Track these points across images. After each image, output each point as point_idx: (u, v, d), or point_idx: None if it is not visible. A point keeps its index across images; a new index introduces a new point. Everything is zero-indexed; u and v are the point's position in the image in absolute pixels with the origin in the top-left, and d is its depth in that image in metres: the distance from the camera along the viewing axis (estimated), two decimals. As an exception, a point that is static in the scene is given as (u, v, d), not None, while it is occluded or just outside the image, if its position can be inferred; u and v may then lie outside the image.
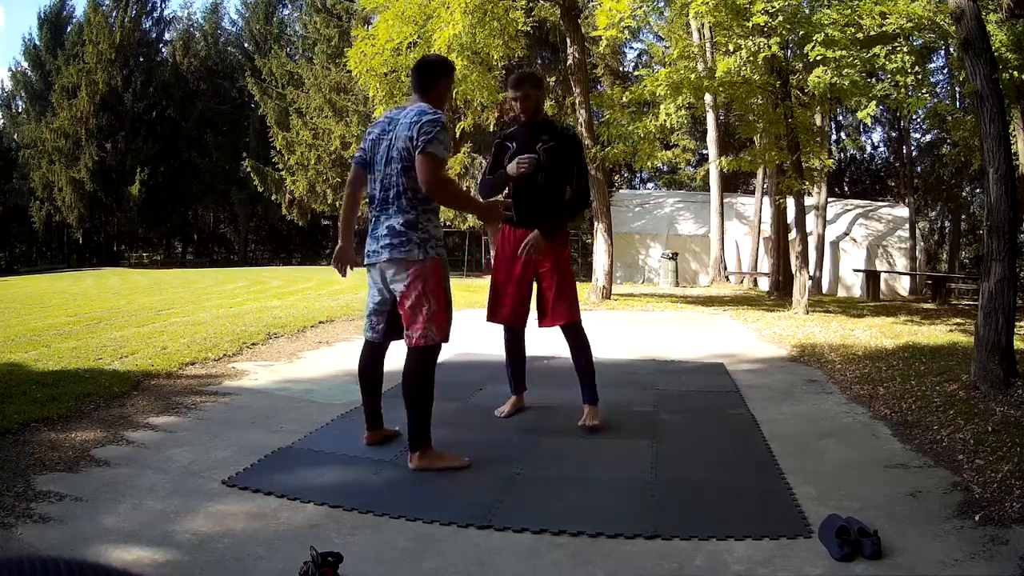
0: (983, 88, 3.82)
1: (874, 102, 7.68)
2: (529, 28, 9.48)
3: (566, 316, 3.38)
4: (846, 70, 7.10)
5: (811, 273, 10.97)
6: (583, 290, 8.36)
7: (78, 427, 3.19)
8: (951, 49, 9.76)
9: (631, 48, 25.73)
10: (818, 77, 7.20)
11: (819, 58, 7.09)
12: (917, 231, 19.62)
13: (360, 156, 2.96)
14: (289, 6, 30.31)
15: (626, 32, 9.13)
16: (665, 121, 8.49)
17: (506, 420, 3.50)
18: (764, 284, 14.98)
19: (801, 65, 8.12)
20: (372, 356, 3.06)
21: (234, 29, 32.29)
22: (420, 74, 2.92)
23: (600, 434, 3.26)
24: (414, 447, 2.79)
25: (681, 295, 12.01)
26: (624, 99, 9.65)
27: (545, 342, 4.67)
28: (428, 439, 2.81)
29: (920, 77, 7.57)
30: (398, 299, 2.83)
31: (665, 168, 26.22)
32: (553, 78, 18.13)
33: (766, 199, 15.35)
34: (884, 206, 19.68)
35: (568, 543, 2.14)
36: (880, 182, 28.19)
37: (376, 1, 9.46)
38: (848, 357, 5.12)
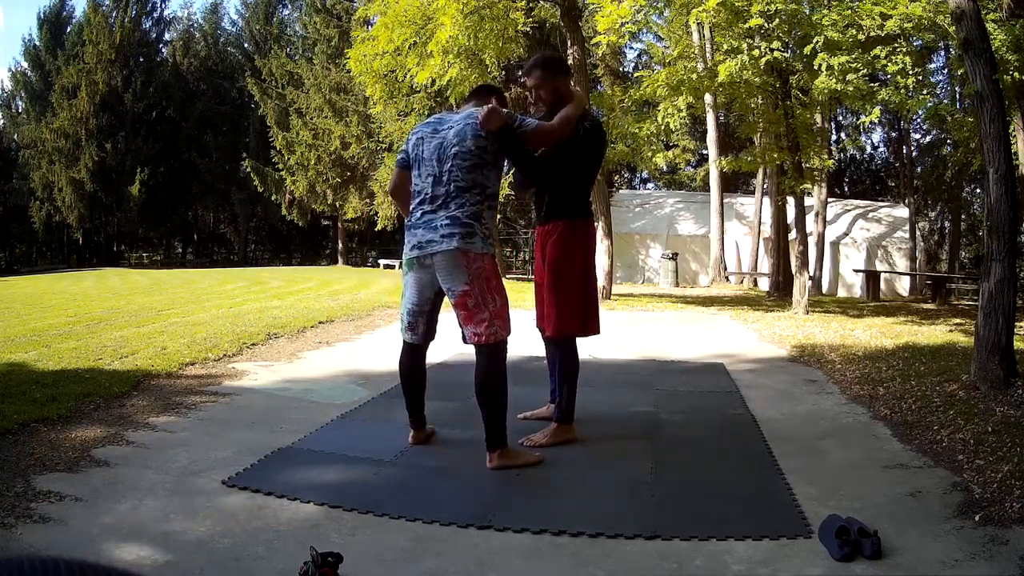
0: (983, 88, 3.82)
1: (876, 109, 7.69)
2: (529, 29, 9.47)
3: (551, 327, 3.12)
4: (849, 76, 7.11)
5: (811, 273, 10.97)
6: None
7: (78, 427, 3.18)
8: (951, 49, 9.76)
9: (631, 48, 25.74)
10: (822, 83, 7.21)
11: (823, 65, 7.09)
12: (917, 231, 19.63)
13: (403, 159, 3.00)
14: (289, 6, 30.33)
15: (627, 36, 9.14)
16: (666, 121, 8.49)
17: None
18: (764, 284, 14.98)
19: (801, 65, 8.12)
20: (414, 357, 3.04)
21: (234, 29, 32.31)
22: (477, 89, 3.15)
23: (600, 434, 3.26)
24: (493, 447, 2.77)
25: (681, 295, 12.01)
26: (626, 100, 9.65)
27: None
28: (505, 438, 2.80)
29: (920, 78, 7.57)
30: (456, 298, 2.79)
31: (665, 168, 26.21)
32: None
33: (766, 199, 15.35)
34: (884, 206, 19.68)
35: (568, 543, 2.14)
36: (880, 182, 28.20)
37: (376, 7, 9.47)
38: (848, 357, 5.12)
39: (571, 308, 3.09)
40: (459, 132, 2.83)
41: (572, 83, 9.52)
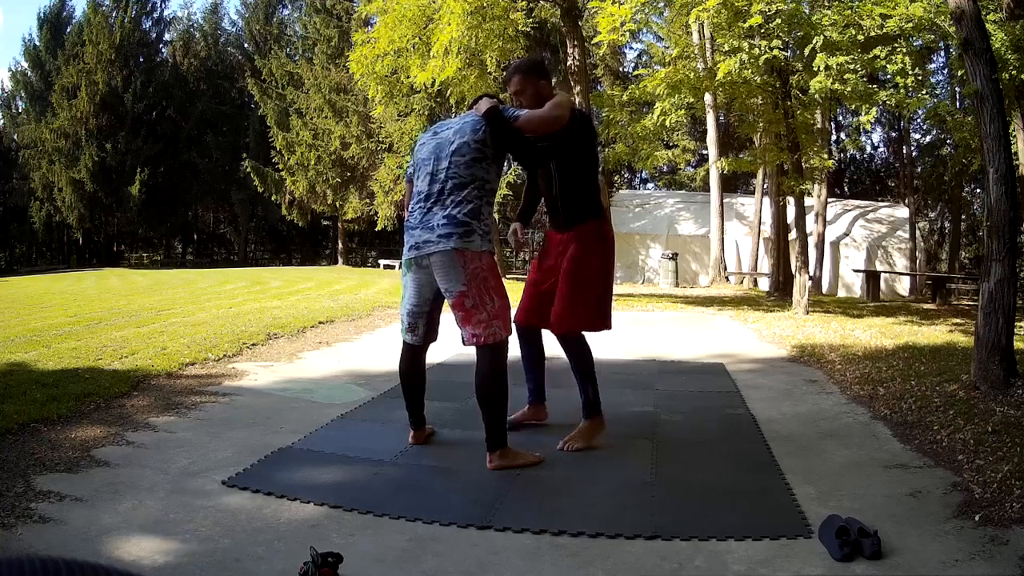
0: (983, 88, 3.82)
1: (874, 109, 7.70)
2: (529, 29, 9.47)
3: (563, 325, 3.04)
4: (847, 75, 7.12)
5: (811, 273, 10.97)
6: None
7: (78, 427, 3.18)
8: (951, 49, 9.77)
9: (631, 48, 25.76)
10: (820, 83, 7.22)
11: (821, 66, 7.10)
12: (917, 231, 19.63)
13: (410, 172, 3.02)
14: (289, 6, 30.32)
15: (627, 36, 9.15)
16: (662, 120, 8.49)
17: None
18: (764, 284, 14.98)
19: (801, 65, 8.13)
20: (413, 359, 3.03)
21: (234, 29, 32.34)
22: (476, 98, 3.08)
23: (600, 434, 3.25)
24: (493, 447, 2.77)
25: (681, 295, 12.01)
26: (624, 98, 9.65)
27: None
28: (506, 439, 2.80)
29: (920, 78, 7.58)
30: (454, 299, 2.77)
31: (665, 168, 26.23)
32: (554, 79, 18.15)
33: (766, 199, 15.35)
34: (884, 206, 19.70)
35: (568, 543, 2.14)
36: (880, 182, 28.21)
37: (376, 5, 9.46)
38: (848, 357, 5.12)
39: (587, 307, 3.06)
40: (459, 129, 2.84)
41: (572, 83, 9.43)
